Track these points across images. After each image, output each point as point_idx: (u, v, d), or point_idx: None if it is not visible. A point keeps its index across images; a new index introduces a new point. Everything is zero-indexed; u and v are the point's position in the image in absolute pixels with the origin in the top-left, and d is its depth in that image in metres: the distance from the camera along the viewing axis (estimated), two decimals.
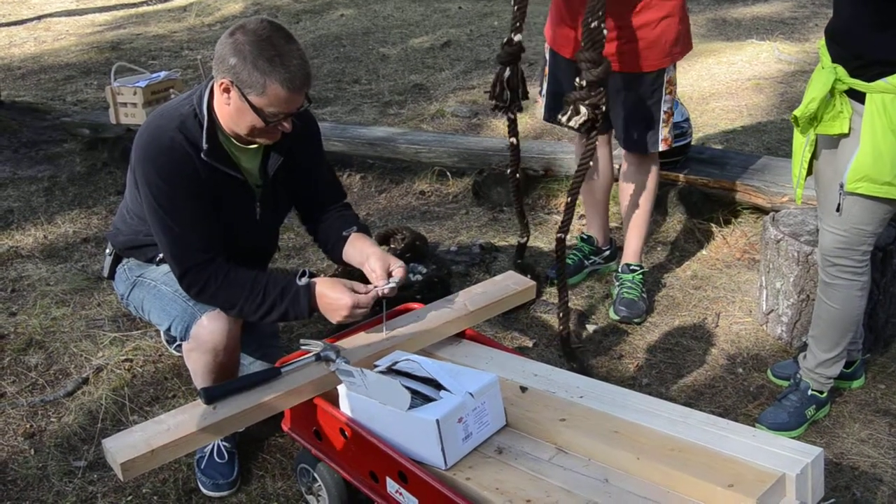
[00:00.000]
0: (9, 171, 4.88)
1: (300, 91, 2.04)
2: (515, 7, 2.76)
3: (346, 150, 4.69)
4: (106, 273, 2.58)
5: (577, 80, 2.59)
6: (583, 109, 2.60)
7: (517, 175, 3.18)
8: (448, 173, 4.57)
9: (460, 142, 4.70)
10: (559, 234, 2.85)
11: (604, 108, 2.60)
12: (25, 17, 9.72)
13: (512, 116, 3.03)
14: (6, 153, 5.09)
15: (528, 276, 2.79)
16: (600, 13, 2.51)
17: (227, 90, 2.05)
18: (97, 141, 5.06)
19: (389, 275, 2.17)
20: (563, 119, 2.65)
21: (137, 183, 2.18)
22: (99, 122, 5.07)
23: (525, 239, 3.35)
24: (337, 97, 6.18)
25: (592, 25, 2.53)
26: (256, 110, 2.03)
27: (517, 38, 2.79)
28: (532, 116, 5.37)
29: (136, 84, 4.73)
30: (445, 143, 4.65)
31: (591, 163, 2.82)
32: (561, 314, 2.90)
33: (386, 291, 2.14)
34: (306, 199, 2.46)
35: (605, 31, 2.56)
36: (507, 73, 2.86)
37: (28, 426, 2.71)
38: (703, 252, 3.73)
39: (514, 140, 3.08)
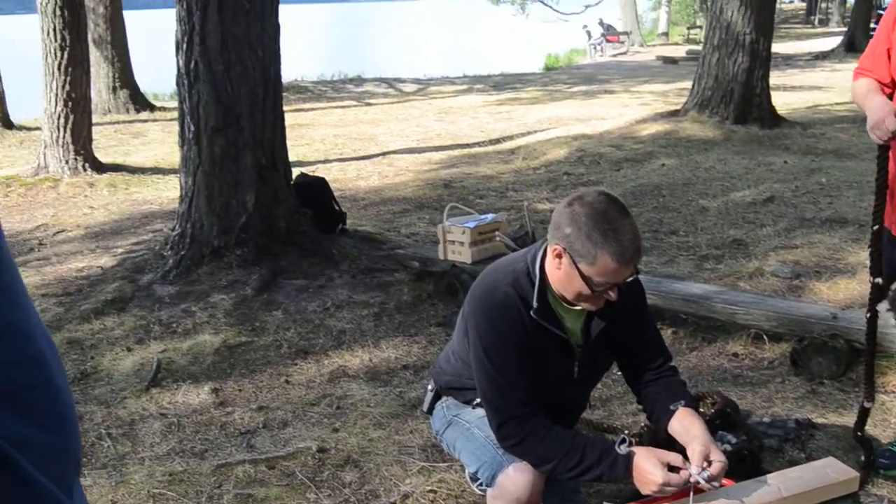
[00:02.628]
0: (345, 295, 5.36)
1: (629, 264, 2.11)
2: None
3: (660, 304, 4.67)
4: (426, 408, 2.75)
5: None
6: None
7: (876, 317, 3.00)
8: (764, 337, 4.41)
9: (780, 305, 4.52)
10: None
11: None
12: (373, 153, 10.79)
13: None
14: (345, 278, 5.61)
15: (866, 451, 2.61)
16: None
17: (559, 256, 2.17)
18: (424, 273, 5.44)
19: (708, 463, 2.15)
20: (884, 309, 2.57)
21: (468, 330, 2.33)
22: (428, 257, 5.46)
23: (870, 404, 3.11)
24: (653, 247, 6.20)
25: None
26: (585, 279, 2.12)
27: None
28: (861, 282, 5.08)
29: (465, 225, 5.08)
30: (764, 305, 4.50)
31: None
32: None
33: (698, 481, 2.13)
34: (630, 362, 2.50)
35: None
36: None
37: None
38: None
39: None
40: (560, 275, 2.19)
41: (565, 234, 2.13)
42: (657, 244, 6.30)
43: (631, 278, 2.19)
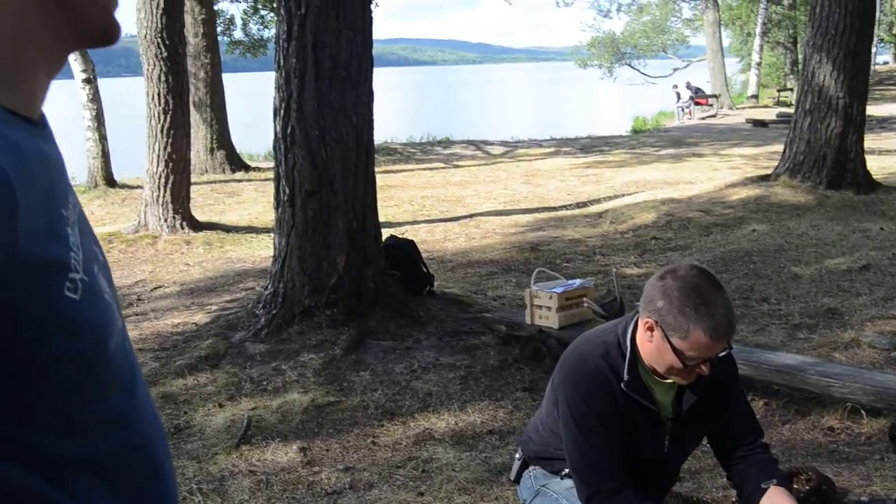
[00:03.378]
0: (432, 358, 5.40)
1: (722, 339, 2.10)
2: None
3: (751, 375, 4.58)
4: (513, 476, 2.75)
5: None
6: None
7: None
8: (862, 411, 4.27)
9: (878, 378, 4.38)
10: None
11: None
12: (460, 214, 10.91)
13: None
14: (432, 340, 5.65)
15: None
16: None
17: (651, 329, 2.17)
18: (511, 337, 5.45)
19: None
20: None
21: (557, 401, 2.34)
22: (514, 321, 5.47)
23: None
24: (744, 315, 6.09)
25: None
26: (677, 352, 2.12)
27: None
28: None
29: (553, 290, 5.08)
30: (861, 377, 4.36)
31: None
32: None
33: None
34: (720, 437, 2.47)
35: None
36: None
37: None
38: None
39: None
40: (651, 348, 2.20)
41: (657, 307, 2.13)
42: (748, 312, 6.19)
43: (724, 353, 2.17)
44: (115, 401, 0.92)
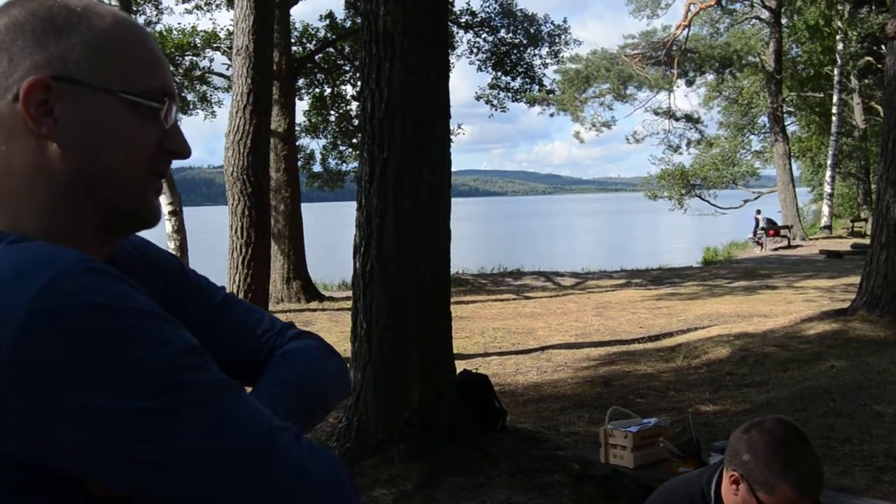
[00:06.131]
0: (504, 495, 5.35)
1: (809, 496, 2.10)
2: None
3: None
4: None
5: None
6: None
7: None
8: None
9: None
10: None
11: None
12: (531, 346, 10.91)
13: None
14: (504, 477, 5.61)
15: None
16: None
17: (736, 482, 2.18)
18: (584, 476, 5.37)
19: None
20: None
21: None
22: (588, 460, 5.41)
23: None
24: (825, 456, 5.92)
25: None
26: None
27: None
28: None
29: (628, 429, 5.04)
30: None
31: None
32: None
33: None
34: None
35: None
36: None
37: None
38: None
39: None
40: (737, 501, 2.19)
41: (743, 460, 2.14)
42: (829, 453, 6.01)
43: None
44: None
